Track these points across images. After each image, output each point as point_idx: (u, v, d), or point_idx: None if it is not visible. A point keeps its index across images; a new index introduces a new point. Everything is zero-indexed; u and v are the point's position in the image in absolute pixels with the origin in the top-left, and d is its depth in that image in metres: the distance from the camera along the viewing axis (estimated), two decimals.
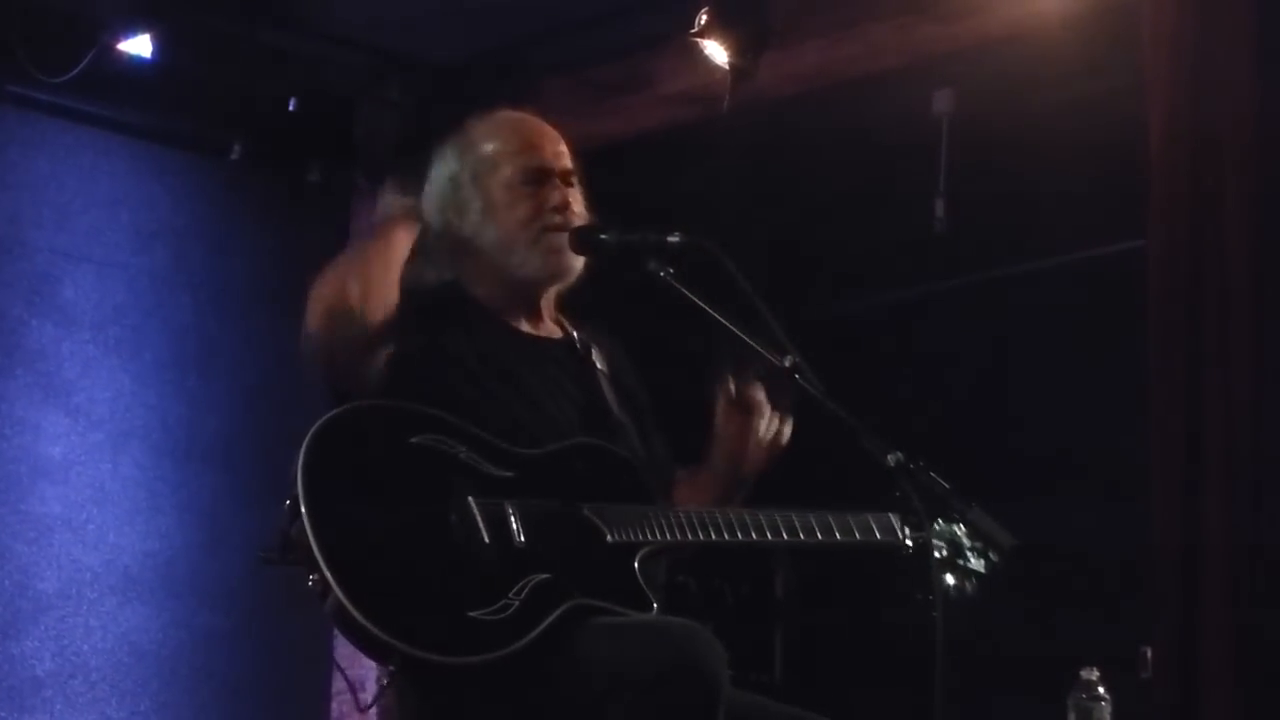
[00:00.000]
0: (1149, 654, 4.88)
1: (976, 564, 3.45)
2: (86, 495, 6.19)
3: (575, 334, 3.60)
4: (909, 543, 3.43)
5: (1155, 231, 4.98)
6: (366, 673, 3.41)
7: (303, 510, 3.05)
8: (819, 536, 3.42)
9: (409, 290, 3.38)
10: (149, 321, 6.45)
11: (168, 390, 6.44)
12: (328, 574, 3.00)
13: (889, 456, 3.12)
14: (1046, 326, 5.81)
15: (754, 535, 3.36)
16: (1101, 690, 4.52)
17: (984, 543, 3.47)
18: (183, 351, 6.50)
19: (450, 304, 3.48)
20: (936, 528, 3.42)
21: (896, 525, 3.45)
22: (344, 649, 3.24)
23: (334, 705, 6.45)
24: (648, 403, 3.66)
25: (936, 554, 3.40)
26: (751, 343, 3.23)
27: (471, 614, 3.05)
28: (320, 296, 3.33)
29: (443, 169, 3.53)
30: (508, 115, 3.64)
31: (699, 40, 5.69)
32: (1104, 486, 5.49)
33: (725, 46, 5.69)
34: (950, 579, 3.47)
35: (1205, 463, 4.81)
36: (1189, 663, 4.76)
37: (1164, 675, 4.81)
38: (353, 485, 3.13)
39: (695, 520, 3.33)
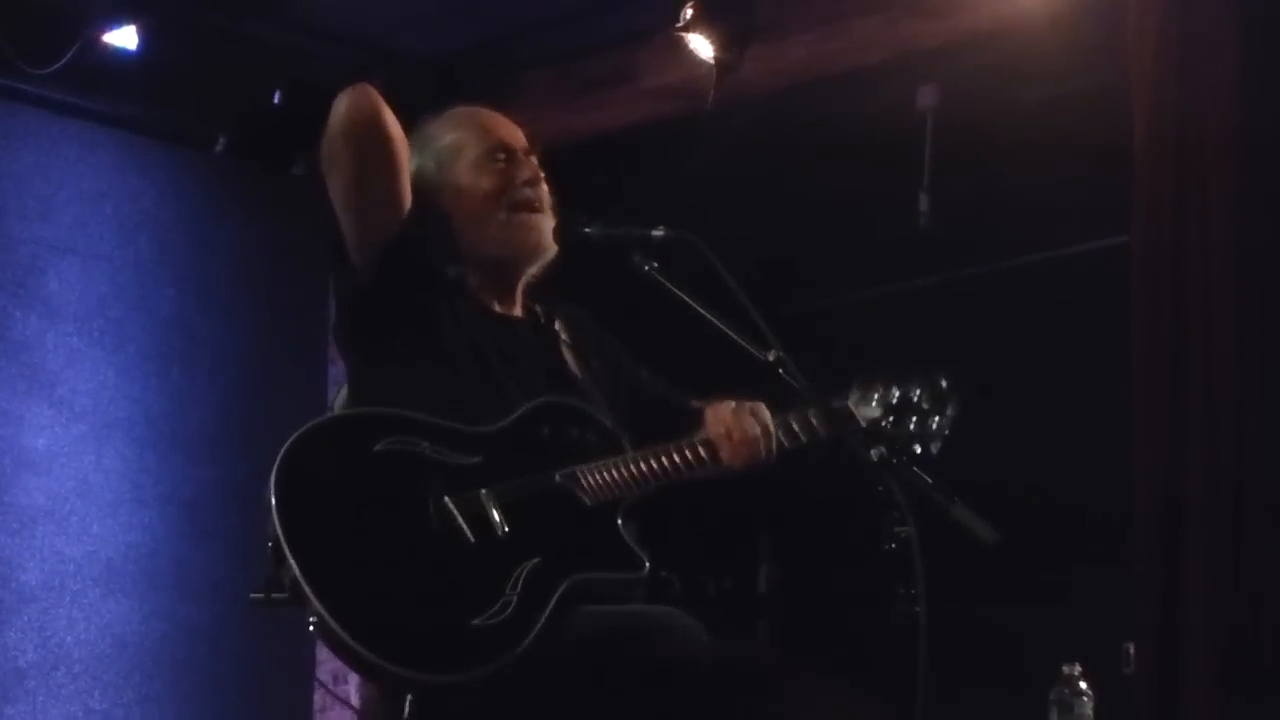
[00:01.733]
0: (1131, 650, 4.90)
1: (935, 421, 3.48)
2: (69, 487, 6.17)
3: (537, 308, 3.60)
4: (863, 421, 3.50)
5: (1139, 227, 4.99)
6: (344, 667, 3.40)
7: (288, 554, 3.02)
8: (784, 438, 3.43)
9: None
10: (133, 314, 6.43)
11: (151, 382, 6.42)
12: (330, 620, 2.97)
13: (872, 451, 3.13)
14: (1031, 322, 5.81)
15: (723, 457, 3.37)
16: (1084, 685, 4.54)
17: (935, 401, 3.53)
18: (166, 344, 6.49)
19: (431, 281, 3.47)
20: (882, 393, 3.50)
21: (852, 406, 3.53)
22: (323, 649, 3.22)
23: (316, 697, 6.44)
24: (624, 355, 3.66)
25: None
26: (735, 337, 3.24)
27: (475, 622, 3.04)
28: (352, 100, 3.41)
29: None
30: (462, 108, 3.66)
31: (684, 34, 5.69)
32: (1089, 483, 5.50)
33: (710, 41, 5.70)
34: (916, 446, 3.52)
35: (1190, 460, 4.82)
36: (1171, 659, 4.78)
37: (1146, 671, 4.83)
38: (330, 515, 3.10)
39: (664, 456, 3.34)
